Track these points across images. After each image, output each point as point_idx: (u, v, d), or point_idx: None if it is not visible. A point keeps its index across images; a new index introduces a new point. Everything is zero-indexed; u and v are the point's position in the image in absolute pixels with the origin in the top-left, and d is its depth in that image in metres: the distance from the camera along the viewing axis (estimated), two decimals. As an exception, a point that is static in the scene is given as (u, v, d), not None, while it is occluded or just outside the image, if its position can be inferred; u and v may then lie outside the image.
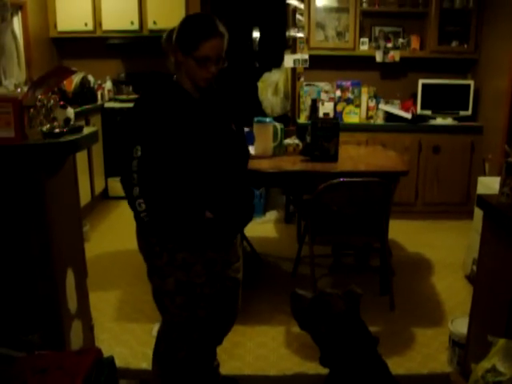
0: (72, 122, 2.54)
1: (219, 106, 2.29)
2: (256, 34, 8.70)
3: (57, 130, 2.36)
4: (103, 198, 6.39)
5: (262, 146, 3.87)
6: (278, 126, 3.94)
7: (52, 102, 2.43)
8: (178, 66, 2.15)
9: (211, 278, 2.25)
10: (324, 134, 3.76)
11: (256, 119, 3.93)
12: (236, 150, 2.28)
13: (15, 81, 4.61)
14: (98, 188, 6.17)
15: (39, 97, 2.35)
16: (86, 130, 2.55)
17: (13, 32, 5.04)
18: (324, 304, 1.97)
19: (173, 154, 2.05)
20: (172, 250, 2.16)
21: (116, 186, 6.43)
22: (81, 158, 5.39)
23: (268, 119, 3.98)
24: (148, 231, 2.17)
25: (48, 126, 2.37)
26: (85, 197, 5.56)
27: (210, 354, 2.49)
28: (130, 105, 6.63)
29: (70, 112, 2.58)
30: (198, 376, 2.44)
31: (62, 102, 2.57)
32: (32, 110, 2.31)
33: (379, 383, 1.91)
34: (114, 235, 5.21)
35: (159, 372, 2.41)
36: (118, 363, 2.83)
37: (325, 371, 2.93)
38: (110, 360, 1.96)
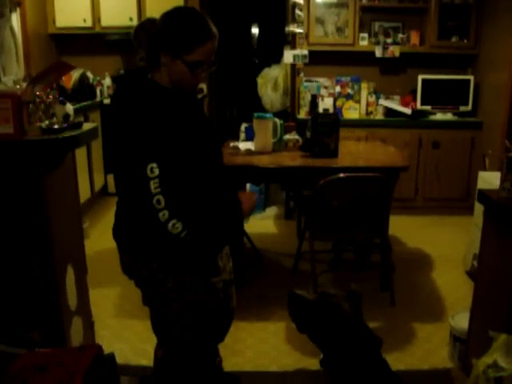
0: (71, 118, 2.53)
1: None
2: (255, 30, 8.69)
3: (56, 126, 2.36)
4: (103, 195, 6.38)
5: (261, 141, 3.86)
6: (278, 121, 3.93)
7: (51, 97, 2.42)
8: (157, 65, 1.92)
9: (213, 291, 2.12)
10: (324, 130, 3.76)
11: (256, 115, 3.92)
12: (219, 150, 2.16)
13: (14, 77, 4.60)
14: (98, 184, 6.16)
15: (38, 93, 2.34)
16: (86, 126, 2.55)
17: (11, 28, 5.04)
18: (331, 306, 1.93)
19: (189, 161, 1.85)
20: (178, 273, 1.99)
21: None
22: (80, 154, 5.38)
23: (268, 115, 3.97)
24: (150, 257, 1.98)
25: (47, 121, 2.36)
26: (84, 193, 5.55)
27: (213, 353, 2.44)
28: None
29: (70, 108, 2.56)
30: (203, 376, 2.40)
31: (61, 98, 2.56)
32: (31, 105, 2.31)
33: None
34: (113, 232, 5.20)
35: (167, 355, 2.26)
36: (118, 360, 2.82)
37: (326, 367, 2.96)
38: (111, 356, 1.95)
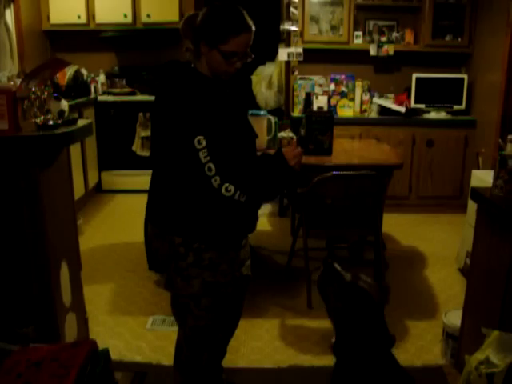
0: (66, 115, 2.53)
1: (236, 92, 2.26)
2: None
3: (51, 122, 2.35)
4: (97, 192, 6.38)
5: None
6: (273, 119, 3.94)
7: (46, 94, 2.41)
8: (198, 55, 2.06)
9: (234, 277, 2.20)
10: (318, 127, 3.74)
11: (250, 112, 3.92)
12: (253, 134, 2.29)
13: (8, 73, 4.59)
14: (92, 181, 6.16)
15: (33, 89, 2.34)
16: (81, 123, 2.54)
17: (5, 24, 5.02)
18: (363, 293, 1.92)
19: (229, 133, 1.99)
20: (198, 250, 2.08)
21: (110, 179, 6.44)
22: (74, 151, 5.37)
23: (262, 112, 3.98)
24: (173, 230, 2.09)
25: (42, 117, 2.36)
26: (78, 190, 5.54)
27: (225, 353, 2.47)
28: (124, 98, 6.55)
29: (64, 104, 2.56)
30: (217, 378, 2.42)
31: (55, 94, 2.55)
32: (26, 101, 2.30)
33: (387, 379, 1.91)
34: (107, 229, 5.21)
35: (183, 379, 2.35)
36: (113, 356, 2.83)
37: (319, 363, 2.97)
38: (105, 352, 1.95)
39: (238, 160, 2.00)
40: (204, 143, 1.90)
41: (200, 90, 2.00)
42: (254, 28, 2.04)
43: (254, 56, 2.09)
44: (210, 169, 1.91)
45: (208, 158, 1.90)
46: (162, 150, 2.10)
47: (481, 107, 5.58)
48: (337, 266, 1.99)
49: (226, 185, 1.93)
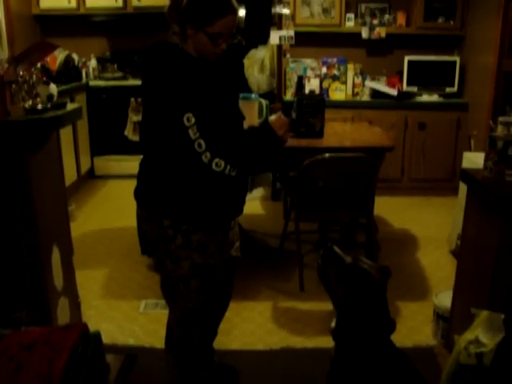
0: (55, 99, 2.52)
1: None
2: (242, 12, 8.63)
3: (39, 106, 2.35)
4: (89, 177, 6.36)
5: (247, 122, 3.81)
6: (264, 102, 3.93)
7: (34, 77, 2.40)
8: (184, 38, 2.07)
9: (223, 259, 2.23)
10: (309, 110, 3.77)
11: (241, 95, 3.90)
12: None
13: (-3, 58, 4.54)
14: (84, 167, 6.14)
15: (21, 73, 2.33)
16: (70, 107, 2.53)
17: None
18: (364, 273, 1.93)
19: (216, 111, 2.01)
20: (187, 232, 2.10)
21: (102, 164, 6.42)
22: (66, 136, 5.35)
23: (253, 95, 3.96)
24: (161, 213, 2.11)
25: (30, 102, 2.35)
26: (70, 176, 5.53)
27: (216, 334, 2.50)
28: (116, 83, 6.51)
29: (53, 88, 2.55)
30: (209, 359, 2.45)
31: (44, 78, 2.54)
32: (14, 85, 2.29)
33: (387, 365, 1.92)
34: (100, 214, 5.21)
35: (175, 361, 2.37)
36: (106, 340, 2.84)
37: (312, 345, 3.00)
38: (97, 334, 1.96)
39: (226, 135, 2.02)
40: (193, 120, 1.92)
41: (187, 68, 2.01)
42: (238, 9, 2.04)
43: (239, 37, 2.12)
44: (199, 145, 1.93)
45: (197, 134, 1.93)
46: (152, 130, 2.10)
47: (473, 90, 5.57)
48: (336, 249, 2.00)
49: (216, 160, 1.95)
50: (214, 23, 1.98)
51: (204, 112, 1.96)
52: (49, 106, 2.40)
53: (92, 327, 2.22)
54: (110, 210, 5.29)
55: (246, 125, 2.22)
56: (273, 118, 2.14)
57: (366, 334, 1.88)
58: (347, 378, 1.92)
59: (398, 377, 1.91)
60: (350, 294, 1.89)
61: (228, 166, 1.98)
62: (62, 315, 2.69)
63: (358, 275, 1.91)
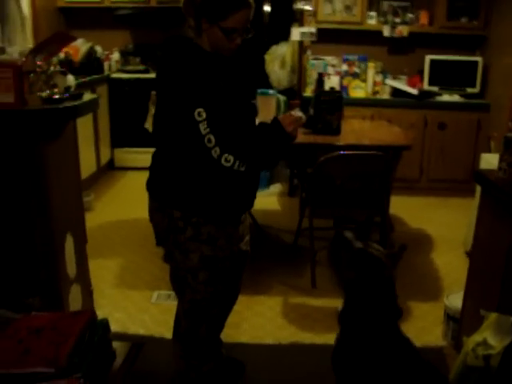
0: (72, 89, 2.56)
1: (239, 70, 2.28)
2: (267, 8, 8.62)
3: (56, 96, 2.38)
4: (109, 169, 6.42)
5: (264, 118, 3.84)
6: (281, 98, 3.95)
7: (52, 68, 2.44)
8: (199, 32, 2.07)
9: (232, 252, 2.25)
10: (327, 107, 3.77)
11: (259, 91, 3.93)
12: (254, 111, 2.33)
13: (20, 48, 4.61)
14: (104, 158, 6.20)
15: (39, 63, 2.37)
16: (86, 97, 2.57)
17: (17, 1, 5.03)
18: (373, 258, 1.92)
19: (229, 107, 2.02)
20: (197, 224, 2.12)
21: (122, 156, 6.48)
22: (87, 128, 5.42)
23: (271, 91, 3.98)
24: (172, 204, 2.13)
25: (48, 92, 2.39)
26: (90, 167, 5.60)
27: (223, 327, 2.51)
28: (138, 76, 6.56)
29: (71, 79, 2.59)
30: (216, 351, 2.47)
31: (62, 69, 2.58)
32: (32, 75, 2.33)
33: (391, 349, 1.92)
34: (118, 205, 5.26)
35: (182, 353, 2.39)
36: (117, 328, 2.89)
37: (321, 341, 3.00)
38: (104, 322, 1.99)
39: (236, 131, 2.03)
40: (204, 115, 1.93)
41: (201, 63, 2.02)
42: (253, 4, 2.04)
43: (254, 32, 2.09)
44: (209, 140, 1.95)
45: (208, 129, 1.94)
46: (164, 123, 2.13)
47: (495, 91, 5.51)
48: (348, 234, 2.00)
49: (226, 155, 1.97)
50: (229, 18, 1.99)
51: (215, 108, 1.97)
52: (65, 96, 2.43)
53: (104, 316, 2.25)
54: (128, 201, 5.34)
55: (262, 119, 2.24)
56: (283, 115, 2.16)
57: (372, 318, 1.89)
58: (351, 360, 1.94)
59: (401, 360, 1.91)
60: (359, 279, 1.90)
61: (237, 162, 1.99)
62: (74, 302, 2.73)
63: (367, 260, 1.91)
